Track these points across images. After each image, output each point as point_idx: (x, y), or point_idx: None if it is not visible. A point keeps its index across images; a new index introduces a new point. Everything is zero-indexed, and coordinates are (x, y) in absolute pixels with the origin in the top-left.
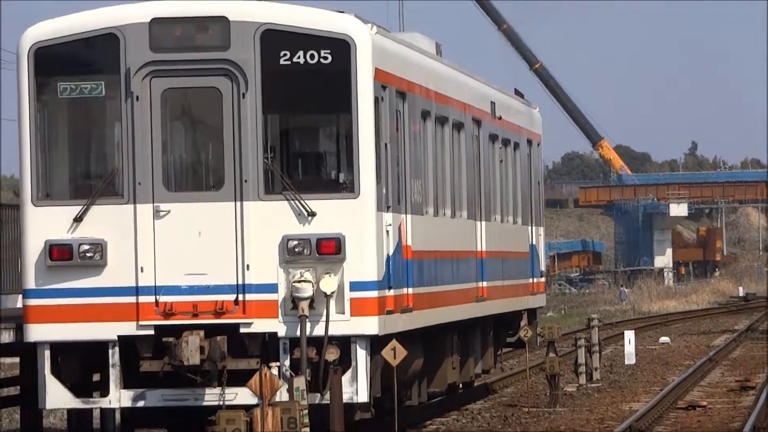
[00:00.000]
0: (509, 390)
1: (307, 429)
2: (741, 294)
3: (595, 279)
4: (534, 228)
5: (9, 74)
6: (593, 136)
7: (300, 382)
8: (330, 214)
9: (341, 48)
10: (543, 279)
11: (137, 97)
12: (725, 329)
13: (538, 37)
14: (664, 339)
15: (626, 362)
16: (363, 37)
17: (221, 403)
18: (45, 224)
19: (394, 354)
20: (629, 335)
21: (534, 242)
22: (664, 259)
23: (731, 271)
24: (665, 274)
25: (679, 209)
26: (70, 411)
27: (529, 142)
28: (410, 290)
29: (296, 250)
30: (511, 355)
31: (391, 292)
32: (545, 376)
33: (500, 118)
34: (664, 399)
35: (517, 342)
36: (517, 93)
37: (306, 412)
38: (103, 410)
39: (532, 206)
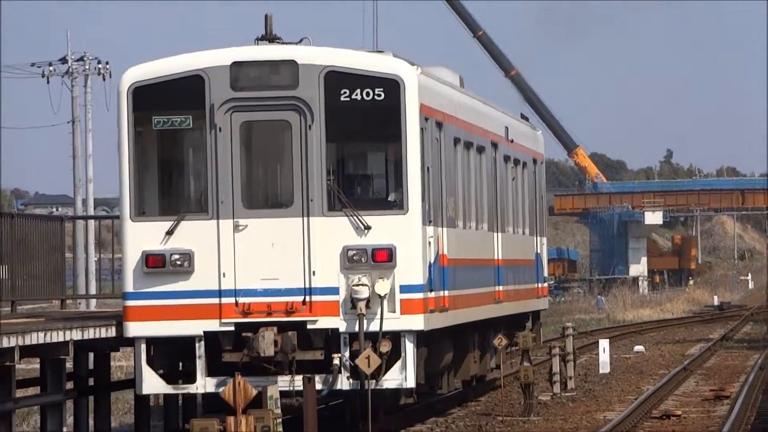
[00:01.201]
0: (483, 398)
1: None
2: (716, 303)
3: (570, 287)
4: (539, 238)
5: (11, 82)
6: (568, 144)
7: (273, 391)
8: (383, 228)
9: (392, 87)
10: (546, 284)
11: (220, 128)
12: (700, 338)
13: (512, 45)
14: (639, 348)
15: (601, 371)
16: (410, 77)
17: (291, 388)
18: (141, 237)
19: (369, 362)
20: (604, 344)
21: (539, 251)
22: (639, 268)
23: (706, 279)
24: (640, 282)
25: (654, 217)
26: (44, 412)
27: (535, 161)
28: (446, 293)
29: (354, 258)
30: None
31: (432, 294)
32: (519, 385)
33: (512, 141)
34: (638, 408)
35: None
36: (523, 117)
37: (280, 420)
38: (77, 409)
39: (537, 218)
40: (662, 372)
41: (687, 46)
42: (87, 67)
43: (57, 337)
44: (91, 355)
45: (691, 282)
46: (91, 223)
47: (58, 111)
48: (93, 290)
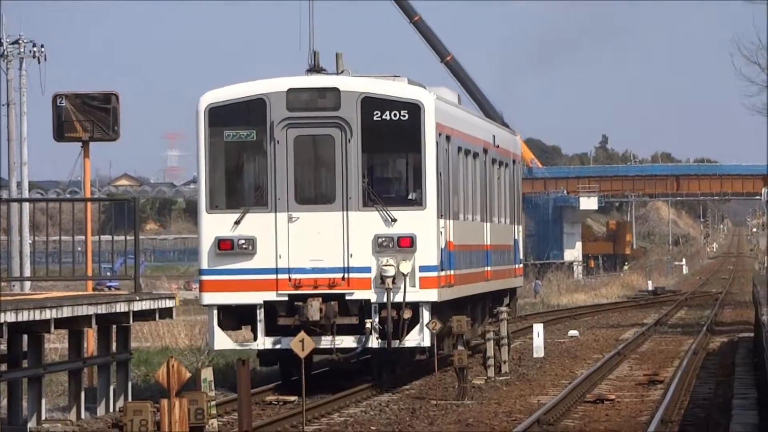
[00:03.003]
0: (418, 382)
1: (215, 420)
2: (650, 288)
3: None
4: (516, 226)
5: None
6: None
7: (207, 373)
8: (406, 220)
9: (414, 109)
10: (521, 265)
11: (278, 141)
12: (634, 323)
13: (447, 32)
14: (573, 332)
15: (535, 355)
16: (429, 101)
17: (333, 346)
18: (214, 225)
19: (302, 346)
20: (538, 328)
21: (516, 237)
22: (573, 253)
23: (641, 264)
24: (575, 267)
25: (589, 202)
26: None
27: (514, 161)
28: (452, 272)
29: (383, 244)
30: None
31: (443, 273)
32: (453, 369)
33: (498, 146)
34: (572, 392)
35: None
36: (504, 124)
37: (214, 403)
38: (10, 390)
39: (515, 210)
40: (596, 356)
41: (622, 31)
42: (22, 50)
43: None
44: (25, 337)
45: (626, 267)
46: (26, 205)
47: None
48: (27, 273)
